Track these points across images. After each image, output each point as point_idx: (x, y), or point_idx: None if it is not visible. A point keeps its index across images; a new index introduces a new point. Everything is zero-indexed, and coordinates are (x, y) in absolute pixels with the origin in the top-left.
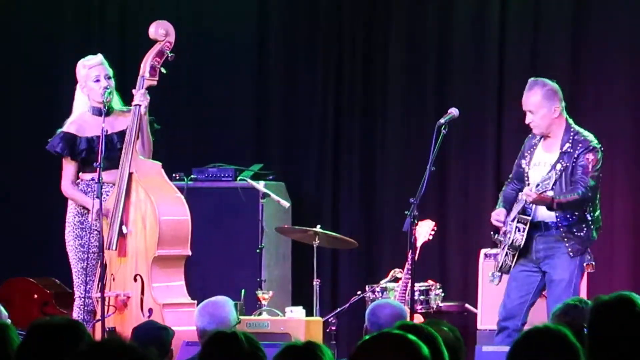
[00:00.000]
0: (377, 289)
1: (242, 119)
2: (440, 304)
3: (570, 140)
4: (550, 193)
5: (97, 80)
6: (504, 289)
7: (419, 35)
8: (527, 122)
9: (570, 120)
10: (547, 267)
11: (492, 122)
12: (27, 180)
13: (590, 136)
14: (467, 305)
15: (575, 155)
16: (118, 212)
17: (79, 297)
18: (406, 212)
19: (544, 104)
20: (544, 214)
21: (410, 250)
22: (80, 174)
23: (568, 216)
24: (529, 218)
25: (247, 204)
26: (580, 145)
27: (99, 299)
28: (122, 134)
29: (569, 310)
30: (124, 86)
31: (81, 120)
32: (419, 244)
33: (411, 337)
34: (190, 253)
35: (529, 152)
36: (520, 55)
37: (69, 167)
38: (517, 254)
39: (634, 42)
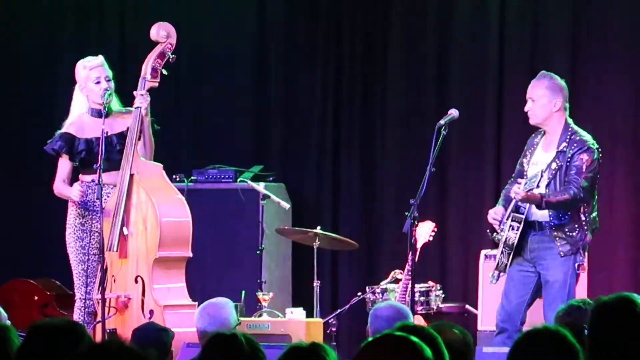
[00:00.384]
0: (378, 290)
1: (242, 120)
2: (441, 305)
3: (567, 140)
4: (538, 191)
5: (98, 82)
6: (502, 289)
7: (418, 36)
8: (525, 109)
9: (571, 121)
10: (541, 268)
11: (492, 123)
12: (27, 182)
13: (587, 137)
14: (467, 306)
15: (570, 155)
16: (119, 213)
17: (80, 298)
18: (406, 213)
19: (546, 94)
20: (537, 213)
21: (411, 252)
22: (80, 175)
23: (560, 216)
24: (523, 217)
25: (247, 206)
26: (575, 145)
27: (100, 301)
28: (121, 136)
29: (572, 311)
30: (124, 88)
31: (80, 121)
32: (419, 245)
33: (414, 338)
34: (191, 255)
35: (529, 151)
36: (520, 56)
37: (62, 166)
38: (512, 253)
39: (634, 40)
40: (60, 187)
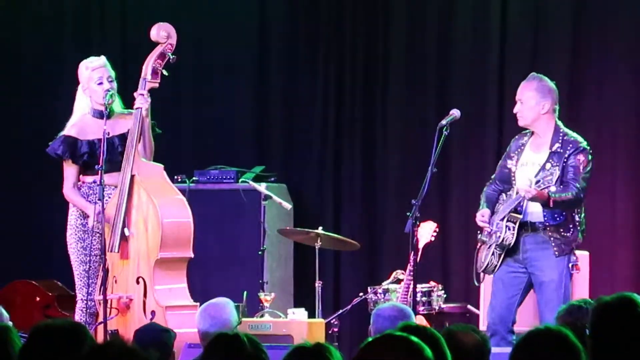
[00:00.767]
0: (379, 291)
1: (243, 121)
2: (442, 305)
3: (560, 141)
4: (552, 189)
5: (100, 83)
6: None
7: (419, 37)
8: (514, 110)
9: (560, 123)
10: (534, 269)
11: (493, 123)
12: (28, 183)
13: (579, 137)
14: (469, 306)
15: (566, 156)
16: (120, 214)
17: (81, 299)
18: (408, 214)
19: (534, 96)
20: (533, 214)
21: (412, 252)
22: (82, 176)
23: (556, 216)
24: (520, 217)
25: (248, 206)
26: (570, 145)
27: (101, 302)
28: (123, 137)
29: (573, 310)
30: (125, 88)
31: (82, 122)
32: (420, 245)
33: (414, 339)
34: (192, 255)
35: (516, 152)
36: (522, 57)
37: (69, 170)
38: (503, 254)
39: (636, 40)
40: (73, 196)
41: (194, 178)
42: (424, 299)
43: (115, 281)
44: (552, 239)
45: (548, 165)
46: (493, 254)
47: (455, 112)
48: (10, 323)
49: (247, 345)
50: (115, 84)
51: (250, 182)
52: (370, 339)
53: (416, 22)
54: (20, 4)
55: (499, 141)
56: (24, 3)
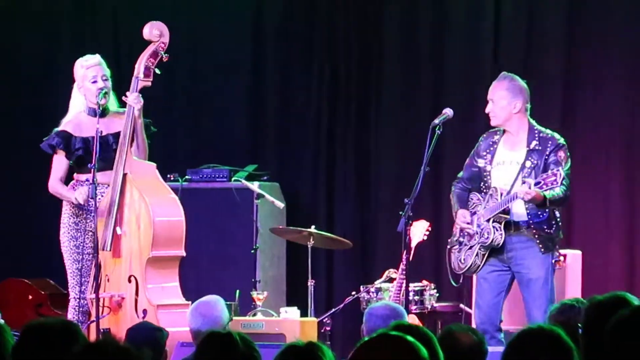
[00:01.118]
0: (372, 290)
1: (236, 119)
2: (435, 304)
3: (537, 138)
4: (515, 189)
5: (94, 81)
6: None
7: (413, 36)
8: (486, 110)
9: (533, 121)
10: (521, 268)
11: (486, 122)
12: (22, 181)
13: (555, 134)
14: (461, 305)
15: (547, 153)
16: (113, 213)
17: (74, 298)
18: (401, 213)
19: (506, 95)
20: (516, 213)
21: (405, 251)
22: (76, 174)
23: (539, 213)
24: (508, 217)
25: (241, 205)
26: (550, 142)
27: (94, 300)
28: (117, 136)
29: (565, 309)
30: (118, 87)
31: (77, 120)
32: (413, 244)
33: (409, 338)
34: (184, 254)
35: (487, 151)
36: (515, 57)
37: (58, 163)
38: (487, 254)
39: (630, 40)
40: (57, 186)
41: (186, 177)
42: (416, 297)
43: (108, 280)
44: (536, 236)
45: (528, 163)
46: (477, 254)
47: (448, 111)
48: (2, 321)
49: (239, 343)
50: (109, 83)
51: (243, 181)
52: (366, 339)
53: (410, 22)
54: (16, 3)
55: None
56: (20, 2)
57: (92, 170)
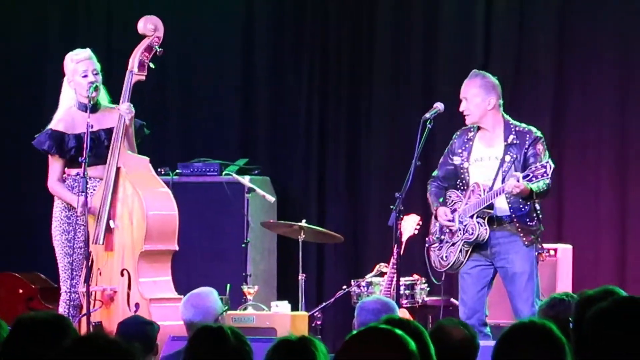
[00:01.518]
0: (363, 284)
1: (227, 113)
2: (426, 299)
3: (514, 132)
4: (498, 184)
5: (85, 75)
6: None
7: (404, 30)
8: (460, 109)
9: (508, 117)
10: (504, 262)
11: None
12: (12, 176)
13: (532, 127)
14: (452, 299)
15: (526, 147)
16: (105, 206)
17: (65, 291)
18: (392, 207)
19: (479, 93)
20: (498, 208)
21: (396, 245)
22: (67, 169)
23: (521, 207)
24: (492, 212)
25: (232, 199)
26: (527, 136)
27: (85, 294)
28: (109, 131)
29: (555, 304)
30: (110, 81)
31: (69, 116)
32: (404, 238)
33: (399, 332)
34: (177, 248)
35: (462, 148)
36: (506, 51)
37: (55, 165)
38: (470, 250)
39: (620, 39)
40: (58, 189)
41: (177, 171)
42: (407, 292)
43: (100, 273)
44: (519, 229)
45: (507, 158)
46: (460, 251)
47: (439, 106)
48: None
49: (231, 338)
50: (100, 77)
51: (234, 175)
52: (355, 332)
53: (401, 17)
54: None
55: None
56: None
57: (83, 164)
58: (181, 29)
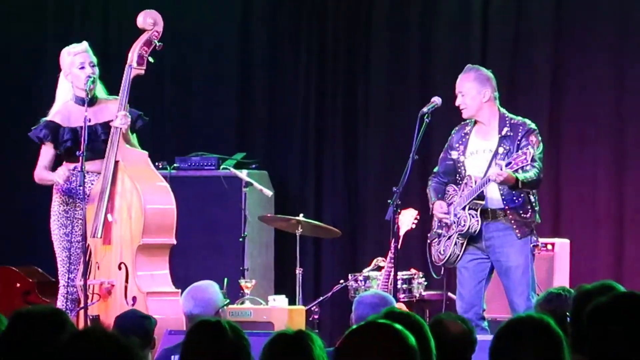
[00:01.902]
0: (360, 278)
1: (225, 108)
2: (423, 293)
3: (508, 125)
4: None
5: (82, 67)
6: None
7: (402, 24)
8: (457, 103)
9: (503, 110)
10: (499, 256)
11: None
12: (9, 170)
13: (526, 120)
14: (449, 294)
15: (519, 138)
16: (104, 200)
17: (63, 285)
18: (389, 201)
19: (474, 86)
20: (492, 199)
21: (393, 239)
22: (64, 163)
23: (515, 198)
24: (483, 202)
25: (229, 193)
26: (520, 128)
27: (83, 287)
28: (106, 125)
29: (552, 298)
30: (107, 75)
31: (65, 110)
32: (401, 232)
33: (398, 326)
34: (175, 242)
35: (459, 142)
36: (503, 47)
37: (45, 153)
38: (465, 243)
39: (618, 32)
40: (42, 173)
41: (175, 165)
42: (404, 286)
43: (98, 267)
44: (512, 222)
45: (501, 150)
46: (455, 244)
47: (436, 100)
48: None
49: (228, 332)
50: (97, 70)
51: (232, 169)
52: (354, 326)
53: (398, 11)
54: None
55: None
56: None
57: (80, 158)
58: (179, 24)
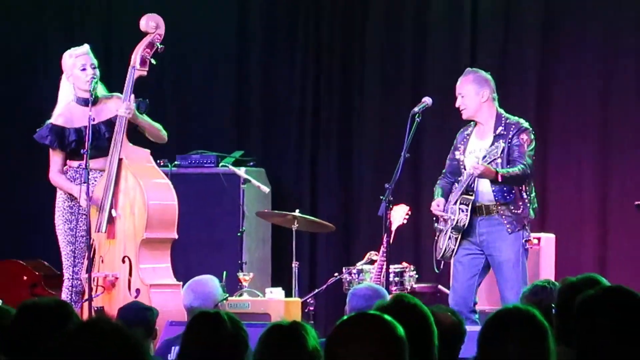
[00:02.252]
0: (354, 271)
1: (223, 108)
2: (414, 286)
3: (503, 124)
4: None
5: (84, 69)
6: None
7: (394, 29)
8: (457, 104)
9: (501, 110)
10: (492, 250)
11: None
12: (16, 167)
13: (521, 119)
14: (440, 286)
15: (510, 137)
16: (108, 196)
17: (68, 278)
18: (381, 197)
19: (473, 87)
20: (483, 193)
21: (386, 234)
22: (68, 161)
23: (506, 195)
24: (472, 197)
25: (228, 189)
26: (513, 127)
27: (87, 280)
28: (108, 123)
29: (537, 291)
30: (108, 76)
31: (68, 111)
32: (393, 227)
33: (387, 317)
34: (176, 236)
35: (462, 143)
36: (492, 49)
37: (56, 158)
38: (459, 237)
39: (603, 34)
40: (59, 180)
41: (175, 162)
42: (396, 279)
43: (102, 260)
44: (503, 217)
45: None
46: (450, 238)
47: (427, 100)
48: (0, 301)
49: (227, 323)
50: (97, 71)
51: (230, 167)
52: (345, 317)
53: (392, 15)
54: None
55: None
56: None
57: (85, 155)
58: (178, 26)
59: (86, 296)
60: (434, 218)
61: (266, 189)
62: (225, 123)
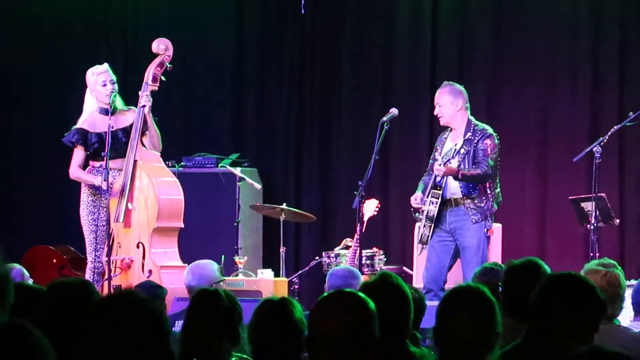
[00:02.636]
0: (332, 255)
1: (223, 116)
2: (383, 267)
3: (471, 130)
4: (455, 164)
5: (104, 85)
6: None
7: (366, 51)
8: (435, 113)
9: (472, 118)
10: (458, 236)
11: (425, 119)
12: (47, 168)
13: (487, 127)
14: (404, 268)
15: (475, 141)
16: (125, 191)
17: (91, 261)
18: (355, 193)
19: (448, 97)
20: (453, 191)
21: (359, 224)
22: (91, 162)
23: (471, 190)
24: (440, 191)
25: (226, 186)
26: (479, 133)
27: (107, 262)
28: (125, 130)
29: (487, 272)
30: (127, 90)
31: (91, 118)
32: (365, 218)
33: (360, 294)
34: (183, 225)
35: (439, 145)
36: (449, 66)
37: (77, 154)
38: (433, 225)
39: (544, 51)
40: (78, 172)
41: (182, 163)
42: (368, 262)
43: (120, 246)
44: (469, 209)
45: (462, 150)
46: (424, 226)
47: (394, 110)
48: (31, 281)
49: (224, 298)
50: (116, 86)
51: (228, 167)
52: (325, 294)
53: (364, 39)
54: (37, 24)
55: (429, 134)
56: (41, 22)
57: (105, 157)
58: (182, 47)
59: (106, 276)
60: (412, 209)
61: (258, 186)
62: (224, 130)
